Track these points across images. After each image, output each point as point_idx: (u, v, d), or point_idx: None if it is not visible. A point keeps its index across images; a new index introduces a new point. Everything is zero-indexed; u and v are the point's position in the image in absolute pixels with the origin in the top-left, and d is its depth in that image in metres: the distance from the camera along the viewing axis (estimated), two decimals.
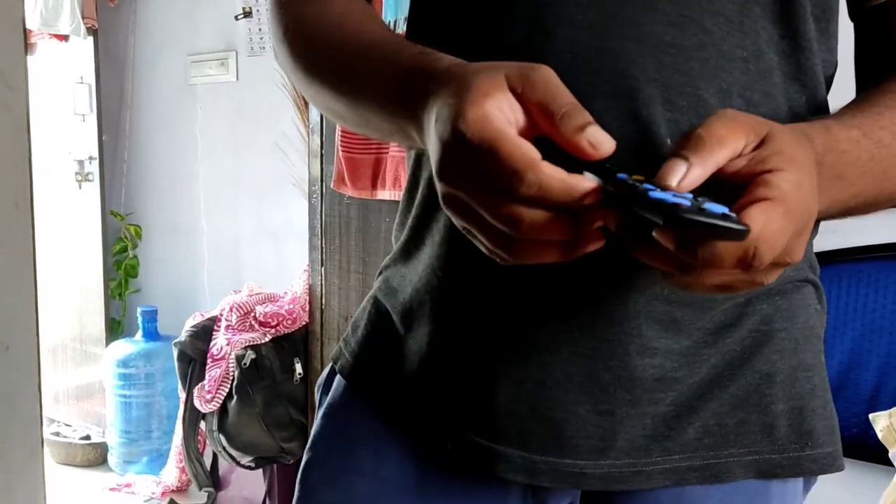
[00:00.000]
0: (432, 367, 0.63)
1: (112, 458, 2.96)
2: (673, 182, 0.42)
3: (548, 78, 0.45)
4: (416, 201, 0.65)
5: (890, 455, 1.31)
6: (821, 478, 0.66)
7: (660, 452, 0.58)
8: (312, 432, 0.70)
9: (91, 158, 3.15)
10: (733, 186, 0.44)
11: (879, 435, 1.33)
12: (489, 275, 0.58)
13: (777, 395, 0.60)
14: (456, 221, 0.48)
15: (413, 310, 0.65)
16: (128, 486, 2.79)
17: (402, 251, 0.67)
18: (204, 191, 3.06)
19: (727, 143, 0.43)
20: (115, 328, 3.25)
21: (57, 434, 3.12)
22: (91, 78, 3.12)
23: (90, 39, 3.07)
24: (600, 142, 0.43)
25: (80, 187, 3.18)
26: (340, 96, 0.59)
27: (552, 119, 0.44)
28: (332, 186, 2.23)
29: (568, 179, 0.42)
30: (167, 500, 2.64)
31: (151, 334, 2.89)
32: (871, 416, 1.40)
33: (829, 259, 1.70)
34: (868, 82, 0.61)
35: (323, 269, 2.35)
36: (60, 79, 3.19)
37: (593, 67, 0.54)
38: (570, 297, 0.56)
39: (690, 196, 0.41)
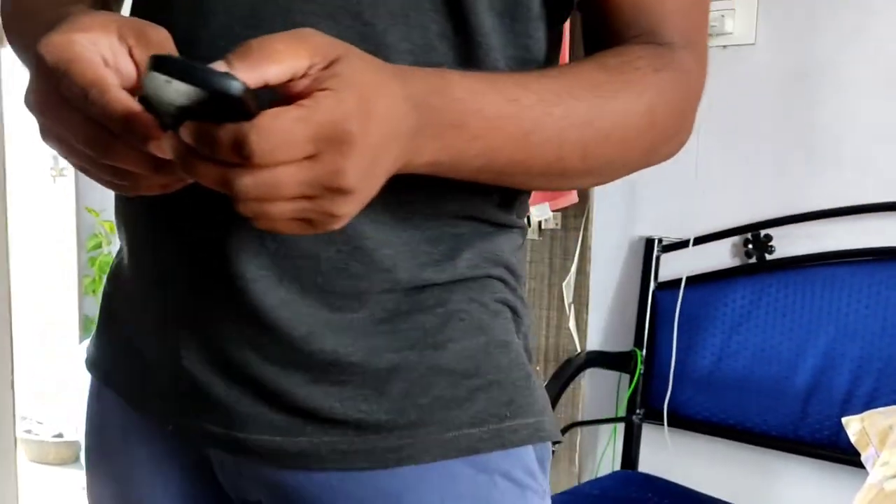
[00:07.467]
0: (133, 350, 0.65)
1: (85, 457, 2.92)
2: None
3: (163, 39, 0.48)
4: None
5: (862, 458, 1.33)
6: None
7: (355, 432, 0.58)
8: None
9: None
10: None
11: (852, 438, 1.35)
12: (157, 249, 0.61)
13: (469, 370, 0.59)
14: (62, 156, 0.49)
15: (116, 287, 0.68)
16: None
17: None
18: None
19: (281, 58, 0.42)
20: (89, 325, 3.21)
21: (29, 431, 3.07)
22: None
23: None
24: None
25: (54, 182, 3.13)
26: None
27: None
28: None
29: (126, 99, 0.44)
30: None
31: None
32: (843, 419, 1.41)
33: (804, 263, 1.72)
34: None
35: None
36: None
37: None
38: (228, 288, 0.57)
39: None
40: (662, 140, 0.59)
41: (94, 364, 0.71)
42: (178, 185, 0.49)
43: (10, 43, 0.65)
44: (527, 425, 0.60)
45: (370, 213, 0.55)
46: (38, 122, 0.48)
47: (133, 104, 0.44)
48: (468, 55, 0.56)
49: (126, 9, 0.67)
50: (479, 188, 0.57)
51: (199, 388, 0.59)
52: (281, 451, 0.58)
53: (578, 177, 0.58)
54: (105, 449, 0.71)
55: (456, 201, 0.59)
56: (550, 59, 0.62)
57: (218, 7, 0.55)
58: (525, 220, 0.66)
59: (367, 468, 0.58)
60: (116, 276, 0.69)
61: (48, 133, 0.48)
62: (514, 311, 0.63)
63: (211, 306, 0.58)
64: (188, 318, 0.59)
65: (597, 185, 0.61)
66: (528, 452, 0.61)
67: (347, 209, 0.44)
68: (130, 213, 0.64)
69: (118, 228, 0.67)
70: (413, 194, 0.56)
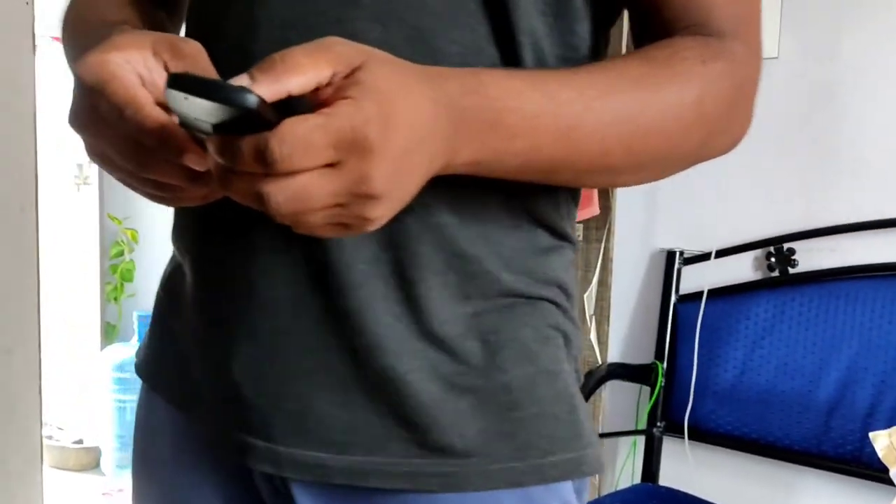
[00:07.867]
0: (189, 359, 0.65)
1: (105, 463, 2.95)
2: None
3: (196, 52, 0.50)
4: None
5: (891, 474, 1.33)
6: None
7: (401, 454, 0.58)
8: None
9: (90, 162, 3.13)
10: None
11: (880, 454, 1.34)
12: (213, 261, 0.61)
13: (515, 403, 0.58)
14: (107, 171, 0.51)
15: (170, 294, 0.68)
16: (121, 491, 2.78)
17: None
18: None
19: (304, 70, 0.42)
20: (111, 332, 3.24)
21: (49, 437, 3.09)
22: None
23: None
24: None
25: (78, 190, 3.17)
26: None
27: None
28: None
29: (159, 115, 0.45)
30: None
31: None
32: (871, 434, 1.41)
33: (827, 277, 1.72)
34: None
35: None
36: (61, 80, 3.19)
37: None
38: (297, 292, 0.57)
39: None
40: (715, 132, 0.58)
41: (142, 369, 0.71)
42: (217, 195, 0.50)
43: (65, 54, 0.67)
44: (568, 461, 0.60)
45: (452, 219, 0.55)
46: (83, 139, 0.50)
47: (166, 119, 0.45)
48: (515, 55, 0.56)
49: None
50: (538, 189, 0.56)
51: (245, 398, 0.59)
52: (324, 467, 0.58)
53: (626, 172, 0.56)
54: (151, 453, 0.71)
55: (517, 206, 0.58)
56: (599, 59, 0.61)
57: (269, 17, 0.56)
58: (574, 233, 0.66)
59: (410, 490, 0.58)
60: (169, 283, 0.70)
61: (92, 150, 0.50)
62: (565, 336, 0.63)
63: (263, 317, 0.58)
64: (239, 326, 0.59)
65: (650, 180, 0.60)
66: (567, 486, 0.61)
67: (379, 212, 0.44)
68: (193, 221, 0.64)
69: (175, 237, 0.67)
70: (479, 197, 0.56)
